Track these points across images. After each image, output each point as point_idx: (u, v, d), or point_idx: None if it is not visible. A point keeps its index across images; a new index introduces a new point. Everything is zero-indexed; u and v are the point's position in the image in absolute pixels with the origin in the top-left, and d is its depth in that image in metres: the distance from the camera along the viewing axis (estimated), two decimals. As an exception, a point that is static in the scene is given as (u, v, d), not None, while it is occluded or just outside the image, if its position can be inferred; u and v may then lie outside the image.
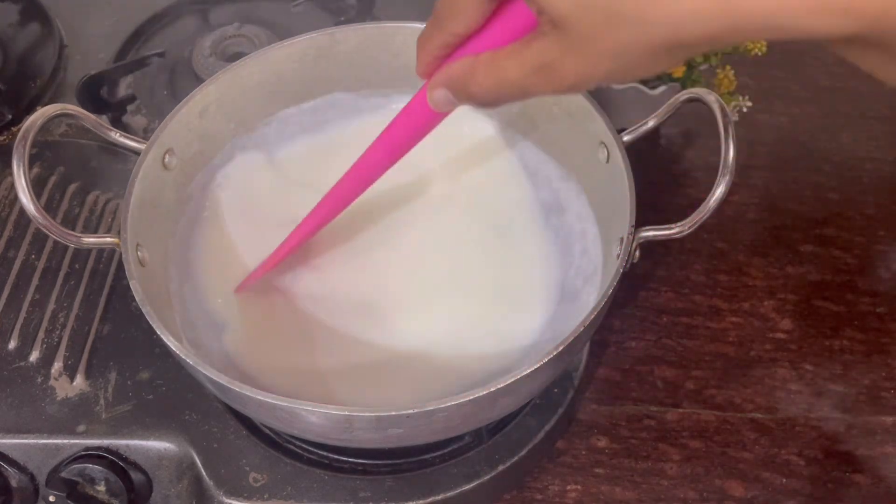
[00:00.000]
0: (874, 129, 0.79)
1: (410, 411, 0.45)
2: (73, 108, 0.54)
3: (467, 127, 0.65)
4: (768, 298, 0.68)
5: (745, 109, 0.68)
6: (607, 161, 0.56)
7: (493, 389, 0.46)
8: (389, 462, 0.58)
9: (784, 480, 0.59)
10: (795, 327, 0.67)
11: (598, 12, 0.34)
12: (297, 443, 0.58)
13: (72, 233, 0.53)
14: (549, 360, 0.47)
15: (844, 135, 0.79)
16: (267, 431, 0.59)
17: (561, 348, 0.47)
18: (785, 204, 0.74)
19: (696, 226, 0.51)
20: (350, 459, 0.58)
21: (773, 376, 0.64)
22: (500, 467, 0.57)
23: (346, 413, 0.45)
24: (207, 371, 0.47)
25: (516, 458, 0.57)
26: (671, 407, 0.63)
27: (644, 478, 0.60)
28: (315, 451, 0.58)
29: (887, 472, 0.60)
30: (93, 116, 0.55)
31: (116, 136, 0.56)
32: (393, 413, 0.45)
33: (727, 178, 0.49)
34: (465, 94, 0.41)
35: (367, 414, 0.45)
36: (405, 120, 0.48)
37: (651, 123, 0.55)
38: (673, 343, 0.66)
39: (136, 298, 0.49)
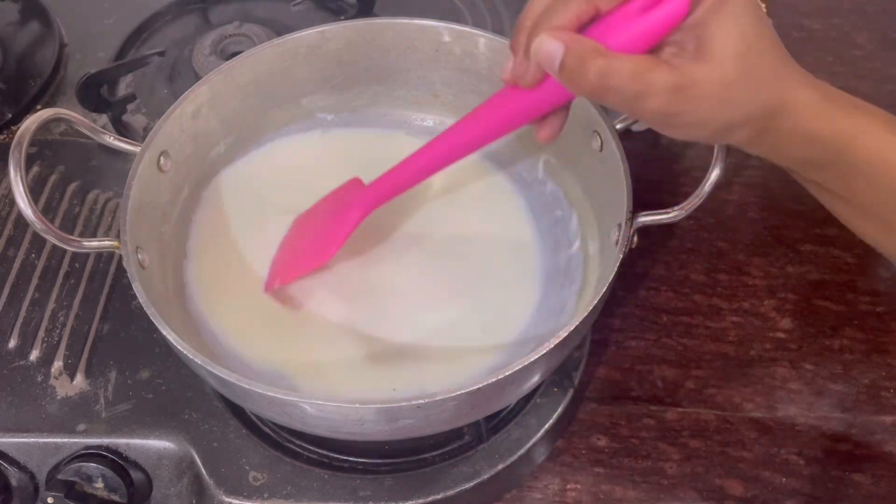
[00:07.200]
0: (874, 129, 0.79)
1: (420, 401, 0.45)
2: (67, 113, 0.53)
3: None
4: (768, 298, 0.68)
5: (744, 109, 0.68)
6: (601, 149, 0.56)
7: (500, 377, 0.46)
8: (389, 461, 0.58)
9: (784, 480, 0.59)
10: (795, 327, 0.67)
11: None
12: (297, 442, 0.58)
13: (72, 237, 0.53)
14: (553, 348, 0.47)
15: (844, 134, 0.78)
16: (267, 430, 0.59)
17: (567, 333, 0.47)
18: (785, 203, 0.74)
19: (692, 209, 0.52)
20: (350, 458, 0.58)
21: (773, 376, 0.64)
22: (500, 467, 0.57)
23: (356, 406, 0.46)
24: (215, 369, 0.47)
25: (516, 457, 0.57)
26: (671, 406, 0.63)
27: (644, 477, 0.60)
28: (315, 449, 0.58)
29: (887, 472, 0.60)
30: (86, 120, 0.55)
31: (111, 139, 0.56)
32: (403, 404, 0.45)
33: (721, 162, 0.50)
34: (573, 77, 0.39)
35: (371, 406, 0.46)
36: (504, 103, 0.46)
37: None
38: (673, 343, 0.66)
39: (140, 301, 0.49)
